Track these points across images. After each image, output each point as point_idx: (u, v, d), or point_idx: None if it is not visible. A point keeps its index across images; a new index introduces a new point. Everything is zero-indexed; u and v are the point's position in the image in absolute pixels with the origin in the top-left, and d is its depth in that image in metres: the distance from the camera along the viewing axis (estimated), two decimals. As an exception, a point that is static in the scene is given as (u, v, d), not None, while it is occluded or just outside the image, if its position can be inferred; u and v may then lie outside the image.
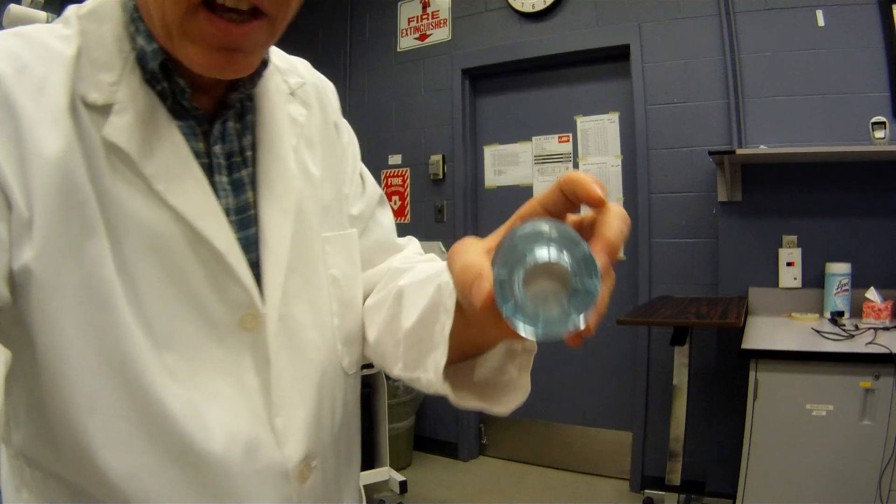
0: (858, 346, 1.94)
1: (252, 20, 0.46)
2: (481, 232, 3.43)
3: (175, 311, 0.49)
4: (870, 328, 2.18)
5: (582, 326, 0.32)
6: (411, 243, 0.74)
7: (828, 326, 2.25)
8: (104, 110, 0.48)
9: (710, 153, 2.53)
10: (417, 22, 3.52)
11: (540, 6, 3.12)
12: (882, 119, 2.35)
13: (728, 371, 2.59)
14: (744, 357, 1.99)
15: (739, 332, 2.17)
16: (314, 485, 0.57)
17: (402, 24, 3.57)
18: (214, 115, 0.54)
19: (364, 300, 0.65)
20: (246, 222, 0.55)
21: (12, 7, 1.84)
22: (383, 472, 2.72)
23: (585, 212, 0.39)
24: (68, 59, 0.47)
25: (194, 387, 0.50)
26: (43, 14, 1.89)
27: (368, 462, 2.71)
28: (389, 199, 3.58)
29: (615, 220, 0.35)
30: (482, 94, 3.46)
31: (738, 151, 2.43)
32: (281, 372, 0.55)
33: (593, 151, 3.14)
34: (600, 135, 3.12)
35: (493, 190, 3.43)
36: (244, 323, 0.52)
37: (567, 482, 3.05)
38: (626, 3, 2.93)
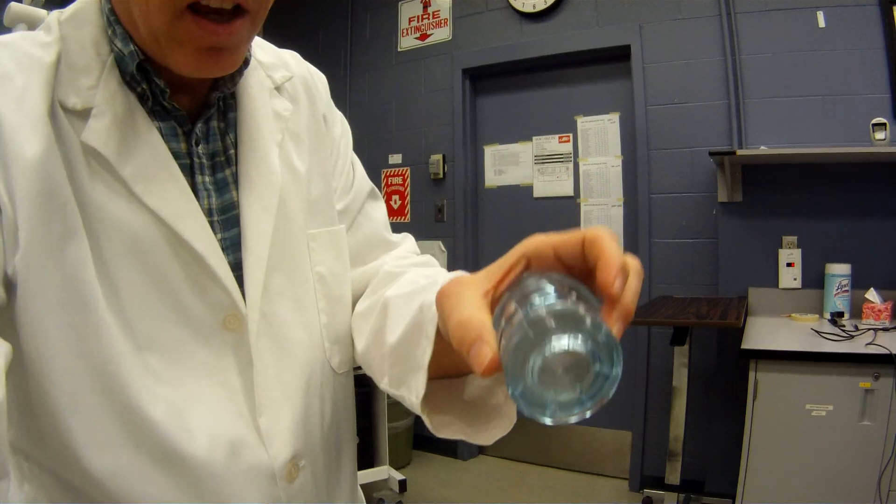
0: (858, 346, 1.94)
1: (235, 19, 0.46)
2: (481, 232, 3.45)
3: (157, 313, 0.49)
4: (869, 329, 2.18)
5: (591, 413, 0.30)
6: (406, 240, 0.72)
7: (827, 327, 2.25)
8: (83, 114, 0.48)
9: (711, 154, 2.53)
10: (418, 22, 3.52)
11: (540, 6, 3.12)
12: (882, 120, 2.35)
13: (728, 371, 2.59)
14: (744, 357, 1.99)
15: (739, 332, 2.17)
16: (303, 485, 0.57)
17: (403, 23, 3.57)
18: (196, 115, 0.54)
19: (355, 299, 0.64)
20: (231, 222, 0.54)
21: (13, 5, 1.84)
22: (382, 471, 2.72)
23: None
24: (47, 66, 0.48)
25: (177, 388, 0.50)
26: (43, 12, 1.89)
27: (368, 461, 2.72)
28: (389, 199, 3.59)
29: (635, 279, 0.34)
30: (482, 94, 3.46)
31: (739, 152, 2.43)
32: (265, 371, 0.54)
33: (593, 151, 3.14)
34: (601, 135, 3.12)
35: (493, 190, 3.43)
36: (227, 323, 0.52)
37: (567, 481, 3.05)
38: (627, 4, 2.93)
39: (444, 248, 3.42)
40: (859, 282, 2.40)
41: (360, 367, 0.63)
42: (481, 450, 3.42)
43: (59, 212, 0.46)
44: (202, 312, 0.51)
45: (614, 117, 3.08)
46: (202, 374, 0.51)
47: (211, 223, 0.52)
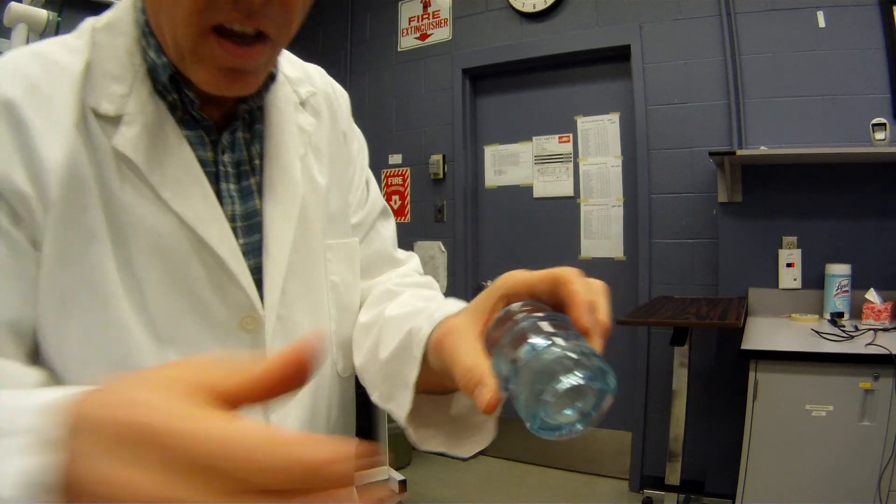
0: (858, 346, 1.94)
1: (256, 43, 0.48)
2: (481, 232, 3.45)
3: (178, 311, 0.52)
4: (869, 329, 2.18)
5: (598, 418, 0.35)
6: (412, 259, 0.76)
7: (827, 327, 2.25)
8: (115, 121, 0.50)
9: (711, 154, 2.53)
10: (418, 21, 3.52)
11: (541, 6, 3.13)
12: (882, 120, 2.35)
13: (728, 371, 2.59)
14: (743, 357, 1.99)
15: (739, 332, 2.17)
16: None
17: (403, 23, 3.57)
18: (223, 125, 0.56)
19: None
20: (253, 228, 0.57)
21: (13, 5, 1.84)
22: (382, 471, 2.72)
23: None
24: (77, 74, 0.50)
25: None
26: (44, 12, 1.89)
27: (368, 461, 2.72)
28: (389, 199, 3.59)
29: (605, 304, 0.40)
30: (482, 94, 3.46)
31: (739, 152, 2.43)
32: None
33: (593, 152, 3.14)
34: (601, 135, 3.12)
35: (493, 190, 3.43)
36: (244, 324, 0.55)
37: (567, 482, 3.05)
38: (627, 4, 2.93)
39: (443, 249, 3.42)
40: (859, 282, 2.40)
41: None
42: (481, 450, 3.42)
43: (83, 213, 0.49)
44: (221, 312, 0.54)
45: (614, 117, 3.08)
46: None
47: (234, 229, 0.55)
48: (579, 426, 0.36)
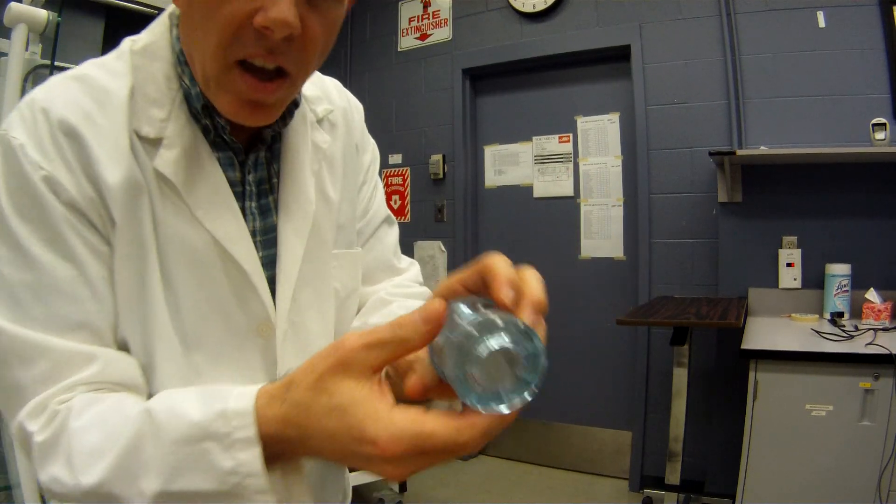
0: (858, 346, 1.94)
1: (276, 79, 0.52)
2: (481, 232, 3.45)
3: (206, 316, 0.57)
4: (869, 329, 2.18)
5: (538, 387, 0.35)
6: (412, 268, 0.81)
7: (827, 327, 2.25)
8: (155, 143, 0.55)
9: (711, 154, 2.53)
10: (418, 21, 3.52)
11: (540, 6, 3.13)
12: (882, 120, 2.35)
13: (728, 371, 2.59)
14: (744, 357, 1.99)
15: (739, 332, 2.17)
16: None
17: (403, 23, 3.57)
18: (249, 147, 0.61)
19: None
20: (270, 242, 0.62)
21: (13, 5, 1.84)
22: (383, 472, 2.72)
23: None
24: (124, 102, 0.55)
25: (213, 384, 0.55)
26: (44, 12, 1.89)
27: (368, 461, 2.71)
28: (389, 199, 3.59)
29: (535, 282, 0.41)
30: (482, 94, 3.46)
31: (739, 152, 2.43)
32: (286, 371, 0.58)
33: (593, 152, 3.14)
34: (601, 135, 3.12)
35: (493, 190, 3.43)
36: (260, 330, 0.60)
37: (567, 482, 3.05)
38: (627, 4, 2.93)
39: (444, 249, 3.42)
40: (859, 282, 2.40)
41: None
42: (481, 450, 3.42)
43: (138, 227, 0.54)
44: (242, 320, 0.59)
45: (614, 117, 3.08)
46: (235, 373, 0.59)
47: (255, 243, 0.60)
48: (525, 393, 0.35)
